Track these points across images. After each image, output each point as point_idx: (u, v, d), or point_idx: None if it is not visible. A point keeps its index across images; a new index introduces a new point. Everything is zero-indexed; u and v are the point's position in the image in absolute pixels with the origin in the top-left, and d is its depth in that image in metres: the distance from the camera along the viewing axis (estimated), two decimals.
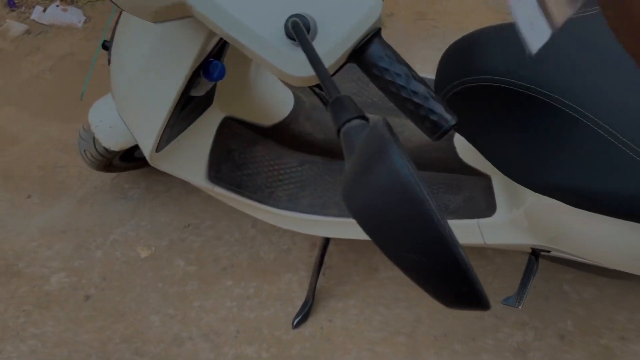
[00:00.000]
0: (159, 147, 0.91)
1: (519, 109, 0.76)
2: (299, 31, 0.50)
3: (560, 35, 0.76)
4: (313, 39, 0.54)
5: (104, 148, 1.21)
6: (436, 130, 0.56)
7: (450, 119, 0.56)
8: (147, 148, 0.90)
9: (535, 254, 1.07)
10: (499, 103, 0.77)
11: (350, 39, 0.55)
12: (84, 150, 1.26)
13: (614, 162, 0.71)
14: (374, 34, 0.56)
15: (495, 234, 1.06)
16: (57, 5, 1.92)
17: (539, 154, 0.77)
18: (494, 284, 1.34)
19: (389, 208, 0.35)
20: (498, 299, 1.31)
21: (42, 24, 1.91)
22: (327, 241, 1.27)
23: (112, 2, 0.56)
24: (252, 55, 0.57)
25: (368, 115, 0.43)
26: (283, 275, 1.37)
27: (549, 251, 1.07)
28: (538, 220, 0.95)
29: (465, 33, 0.84)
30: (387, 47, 0.57)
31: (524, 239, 1.03)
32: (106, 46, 0.93)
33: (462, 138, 1.07)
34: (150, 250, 1.42)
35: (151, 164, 0.96)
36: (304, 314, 1.29)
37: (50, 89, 1.75)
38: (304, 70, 0.55)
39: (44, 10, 1.92)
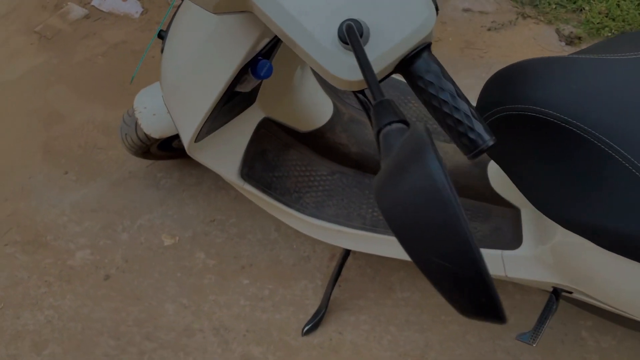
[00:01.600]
0: (198, 137, 0.93)
1: (558, 142, 0.76)
2: (352, 34, 0.52)
3: (609, 74, 0.76)
4: (364, 44, 0.56)
5: (145, 134, 1.25)
6: (473, 148, 0.56)
7: (488, 139, 0.56)
8: (186, 137, 0.93)
9: (557, 293, 1.05)
10: (540, 134, 0.77)
11: (400, 50, 0.56)
12: (125, 134, 1.30)
13: None
14: (424, 48, 0.58)
15: (517, 268, 1.05)
16: None
17: (574, 189, 0.77)
18: (510, 319, 1.32)
19: (419, 209, 0.35)
20: (513, 335, 1.29)
21: (102, 10, 1.98)
22: (347, 253, 1.27)
23: None
24: (303, 55, 0.59)
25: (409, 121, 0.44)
26: (299, 282, 1.38)
27: (571, 292, 1.05)
28: (564, 258, 0.94)
29: None
30: (435, 61, 0.58)
31: (547, 277, 1.01)
32: (161, 35, 0.97)
33: (496, 167, 1.06)
34: (174, 239, 1.45)
35: (188, 153, 0.98)
36: (315, 322, 1.29)
37: (100, 73, 1.81)
38: (352, 74, 0.56)
39: None
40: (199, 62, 0.80)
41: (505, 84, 0.82)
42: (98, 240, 1.45)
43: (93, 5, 1.99)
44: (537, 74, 0.79)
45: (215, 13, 0.60)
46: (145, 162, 1.60)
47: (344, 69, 0.56)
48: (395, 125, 0.43)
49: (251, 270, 1.40)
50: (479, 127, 0.56)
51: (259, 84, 0.95)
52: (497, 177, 1.07)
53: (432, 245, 0.36)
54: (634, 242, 0.73)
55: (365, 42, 0.56)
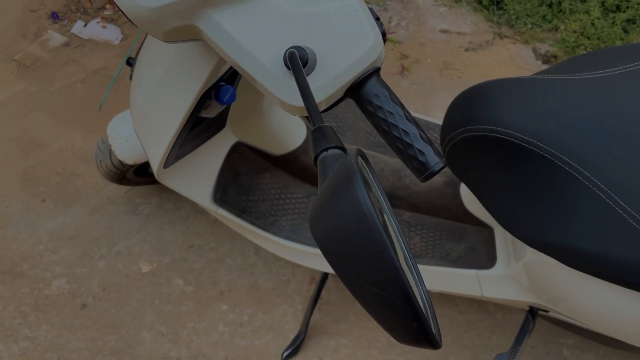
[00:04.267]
0: (167, 163, 0.93)
1: (520, 162, 0.76)
2: (294, 61, 0.52)
3: (572, 94, 0.77)
4: (311, 71, 0.56)
5: (119, 161, 1.25)
6: (423, 170, 0.56)
7: (437, 162, 0.56)
8: (154, 163, 0.92)
9: (533, 312, 1.05)
10: (501, 154, 0.77)
11: (347, 75, 0.57)
12: (100, 161, 1.30)
13: (610, 227, 0.70)
14: (372, 73, 0.58)
15: (492, 287, 1.04)
16: (98, 22, 2.01)
17: (536, 209, 0.77)
18: (492, 339, 1.31)
19: (347, 235, 0.35)
20: (493, 354, 1.28)
21: (81, 37, 1.99)
22: (325, 276, 1.26)
23: (127, 18, 0.59)
24: (254, 82, 0.59)
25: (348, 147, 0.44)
26: (279, 306, 1.37)
27: (547, 311, 1.05)
28: (536, 277, 0.93)
29: None
30: (384, 86, 0.58)
31: (521, 296, 1.01)
32: (130, 63, 0.97)
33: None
34: (152, 266, 1.44)
35: (157, 180, 0.98)
36: (294, 348, 1.27)
37: (79, 100, 1.81)
38: (299, 100, 0.56)
39: (85, 25, 2.00)
40: (162, 89, 0.80)
41: (468, 105, 0.82)
42: (75, 269, 1.43)
43: (73, 33, 2.00)
44: (498, 95, 0.80)
45: (166, 41, 0.61)
46: (124, 188, 1.59)
47: (292, 95, 0.57)
48: (331, 152, 0.43)
49: (230, 296, 1.39)
50: (427, 150, 0.56)
51: (226, 109, 0.95)
52: (469, 197, 1.07)
53: (361, 272, 0.36)
54: (597, 260, 0.72)
55: (312, 69, 0.56)
